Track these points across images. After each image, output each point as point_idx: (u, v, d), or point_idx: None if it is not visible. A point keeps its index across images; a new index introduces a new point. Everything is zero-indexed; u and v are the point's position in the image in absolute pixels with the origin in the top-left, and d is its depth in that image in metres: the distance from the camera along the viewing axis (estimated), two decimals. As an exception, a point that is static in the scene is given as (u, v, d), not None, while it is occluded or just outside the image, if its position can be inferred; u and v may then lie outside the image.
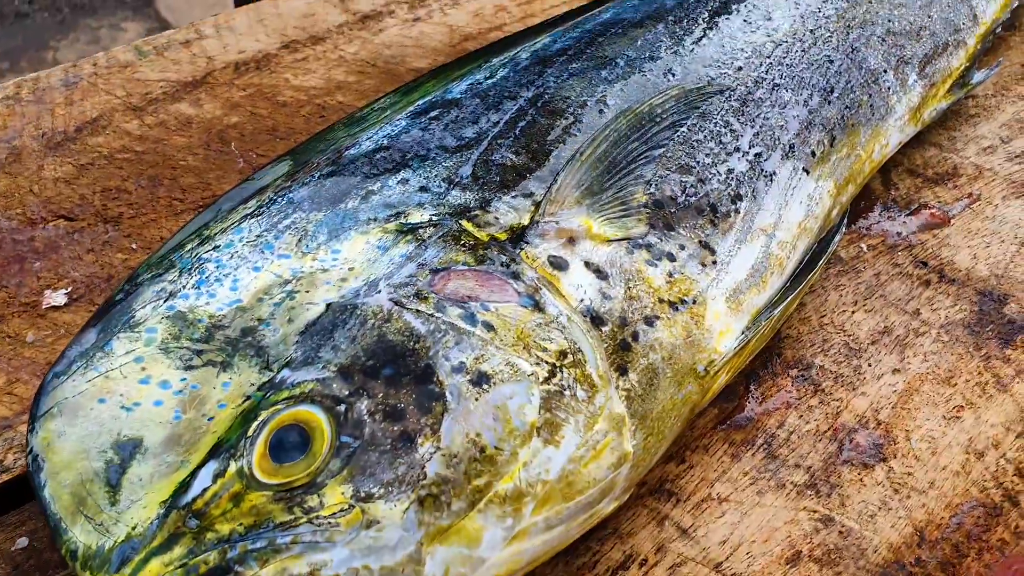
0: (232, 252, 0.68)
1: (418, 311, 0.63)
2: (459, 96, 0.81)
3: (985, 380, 0.79)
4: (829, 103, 0.88)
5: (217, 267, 0.67)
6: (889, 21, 0.97)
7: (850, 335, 0.83)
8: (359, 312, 0.63)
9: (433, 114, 0.79)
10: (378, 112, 0.84)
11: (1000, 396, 0.78)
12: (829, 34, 0.92)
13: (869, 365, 0.80)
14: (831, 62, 0.90)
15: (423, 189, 0.72)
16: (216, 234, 0.71)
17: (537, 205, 0.71)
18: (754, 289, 0.76)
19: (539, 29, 0.94)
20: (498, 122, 0.77)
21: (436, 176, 0.73)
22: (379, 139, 0.77)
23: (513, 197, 0.71)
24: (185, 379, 0.61)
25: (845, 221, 0.86)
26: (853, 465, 0.73)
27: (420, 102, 0.82)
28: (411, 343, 0.61)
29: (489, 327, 0.63)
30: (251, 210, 0.72)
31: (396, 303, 0.63)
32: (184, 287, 0.66)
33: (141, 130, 0.95)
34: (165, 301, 0.65)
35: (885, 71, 0.94)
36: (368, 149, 0.76)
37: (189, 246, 0.70)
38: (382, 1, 1.10)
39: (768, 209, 0.80)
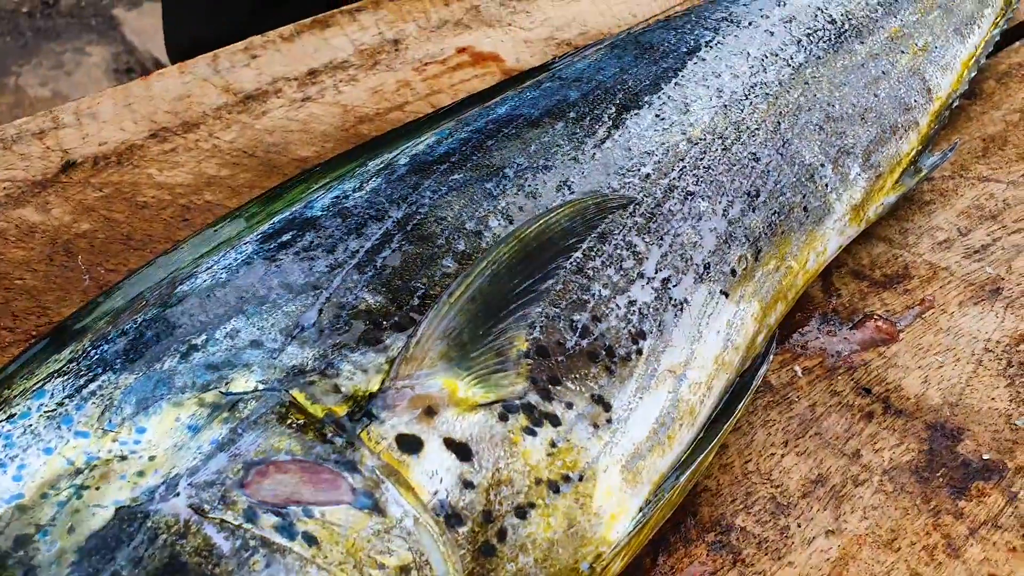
0: (26, 425, 0.57)
1: (222, 521, 0.51)
2: (320, 214, 0.70)
3: (934, 543, 0.68)
4: (754, 210, 0.77)
5: (5, 446, 0.56)
6: (829, 105, 0.86)
7: (778, 486, 0.71)
8: (150, 523, 0.51)
9: (286, 238, 0.67)
10: (232, 227, 0.73)
11: (950, 564, 0.67)
12: (756, 126, 0.81)
13: (799, 525, 0.69)
14: (757, 160, 0.79)
15: (254, 344, 0.60)
16: (16, 396, 0.59)
17: (392, 363, 0.59)
18: (657, 450, 0.64)
19: (432, 120, 0.82)
20: (358, 251, 0.66)
21: (272, 326, 0.61)
22: (218, 270, 0.66)
23: (363, 354, 0.60)
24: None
25: (774, 346, 0.75)
26: (775, 662, 0.62)
27: (277, 219, 0.71)
28: (211, 568, 0.49)
29: (311, 540, 0.51)
30: (61, 364, 0.60)
31: (196, 510, 0.51)
32: (-41, 474, 0.54)
33: (-23, 239, 0.83)
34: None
35: (823, 165, 0.82)
36: (203, 284, 0.64)
37: (-20, 413, 0.58)
38: (268, 78, 0.99)
39: (677, 345, 0.68)
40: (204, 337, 0.60)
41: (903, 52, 0.95)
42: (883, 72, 0.91)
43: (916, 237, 0.91)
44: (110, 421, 0.56)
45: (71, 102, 0.94)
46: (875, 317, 0.83)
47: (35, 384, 0.59)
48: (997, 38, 1.08)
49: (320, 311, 0.61)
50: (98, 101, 0.94)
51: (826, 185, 0.82)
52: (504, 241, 0.63)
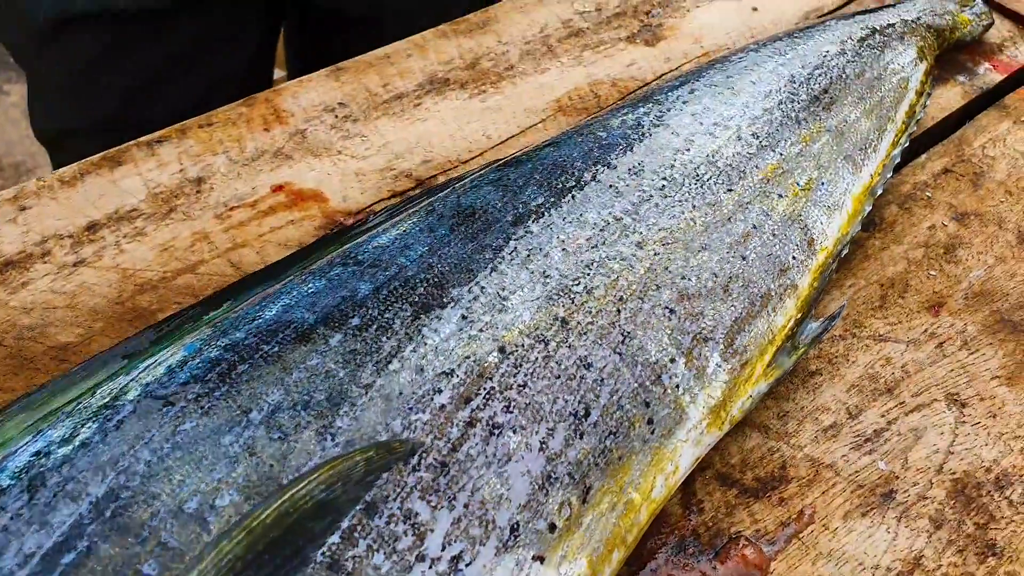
0: None
1: None
2: (7, 484, 0.54)
3: None
4: (582, 436, 0.62)
5: None
6: (683, 279, 0.71)
7: None
8: None
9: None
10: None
11: None
12: (590, 319, 0.66)
13: None
14: (588, 367, 0.64)
15: None
16: None
17: None
18: None
19: (189, 321, 0.67)
20: (32, 555, 0.50)
21: None
22: None
23: None
24: None
25: (607, 611, 0.61)
26: None
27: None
28: None
29: None
30: None
31: None
32: None
33: None
34: None
35: (672, 361, 0.68)
36: None
37: None
38: (37, 236, 0.83)
39: (468, 647, 0.54)
40: None
41: (781, 196, 0.81)
42: (754, 226, 0.77)
43: (797, 423, 0.77)
44: None
45: None
46: (742, 541, 0.69)
47: None
48: (898, 159, 0.95)
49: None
50: None
51: (677, 386, 0.68)
52: (227, 535, 0.48)
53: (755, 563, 0.68)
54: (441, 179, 0.92)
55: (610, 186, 0.75)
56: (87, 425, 0.56)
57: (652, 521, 0.67)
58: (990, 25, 1.14)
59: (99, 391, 0.60)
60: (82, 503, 0.52)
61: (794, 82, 0.91)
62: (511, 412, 0.60)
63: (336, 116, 0.98)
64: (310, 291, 0.65)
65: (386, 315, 0.63)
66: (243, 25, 1.31)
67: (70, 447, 0.55)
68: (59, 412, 0.58)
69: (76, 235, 0.83)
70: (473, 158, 0.95)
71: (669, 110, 0.85)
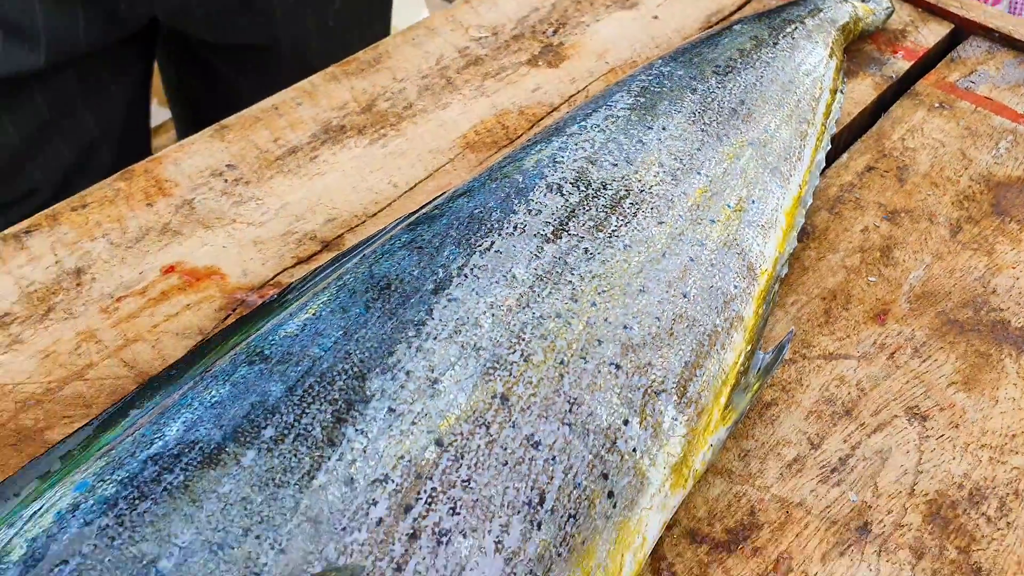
0: None
1: None
2: None
3: None
4: (539, 527, 0.56)
5: None
6: (625, 328, 0.66)
7: None
8: None
9: None
10: None
11: None
12: (531, 391, 0.60)
13: None
14: (537, 447, 0.58)
15: None
16: None
17: None
18: None
19: (68, 458, 0.58)
20: None
21: None
22: None
23: None
24: None
25: None
26: None
27: None
28: None
29: None
30: None
31: None
32: None
33: None
34: None
35: (626, 422, 0.62)
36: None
37: None
38: None
39: None
40: None
41: (713, 221, 0.76)
42: (690, 259, 0.72)
43: (760, 461, 0.72)
44: None
45: None
46: (722, 605, 0.64)
47: None
48: (823, 164, 0.91)
49: None
50: None
51: (634, 450, 0.62)
52: None
53: (738, 628, 0.63)
54: (349, 238, 0.85)
55: (535, 235, 0.69)
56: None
57: (623, 597, 0.61)
58: (891, 12, 1.13)
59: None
60: None
61: (708, 97, 0.87)
62: (458, 514, 0.54)
63: (226, 180, 0.89)
64: (214, 400, 0.57)
65: (303, 421, 0.55)
66: (117, 73, 1.22)
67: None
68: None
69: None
70: (381, 210, 0.88)
71: (585, 142, 0.79)
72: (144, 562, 0.48)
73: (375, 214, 0.88)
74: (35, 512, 0.53)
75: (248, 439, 0.54)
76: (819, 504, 0.70)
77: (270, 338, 0.62)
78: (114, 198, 0.86)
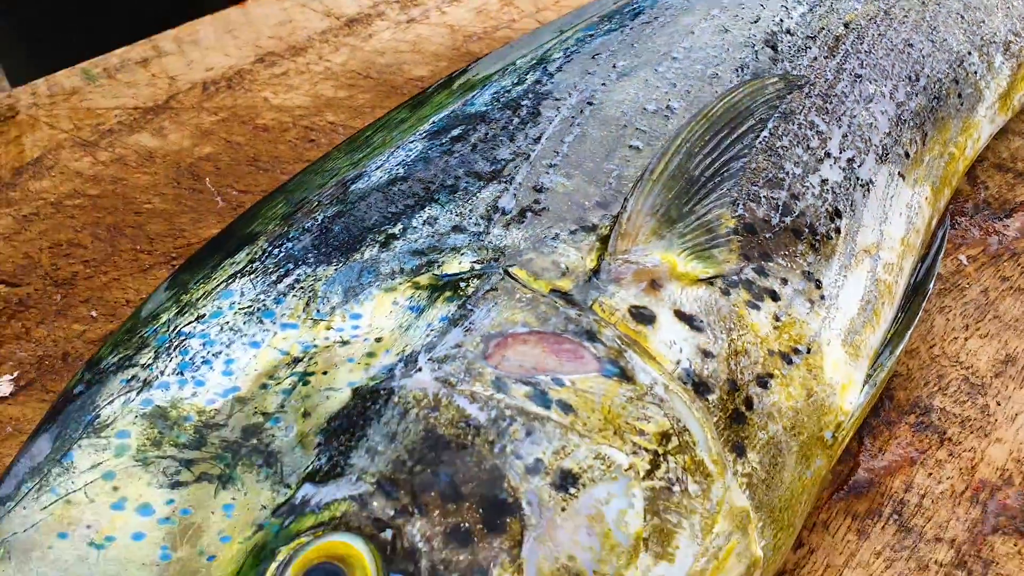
0: (221, 323, 0.53)
1: (473, 393, 0.48)
2: (484, 108, 0.67)
3: None
4: (916, 94, 0.75)
5: (204, 344, 0.52)
6: (965, -6, 0.84)
7: (968, 367, 0.69)
8: (397, 398, 0.48)
9: (456, 132, 0.65)
10: (384, 133, 0.69)
11: None
12: (904, 12, 0.79)
13: (998, 403, 0.67)
14: (911, 46, 0.77)
15: (457, 229, 0.57)
16: (199, 299, 0.56)
17: (603, 241, 0.56)
18: (868, 327, 0.62)
19: (559, 27, 0.80)
20: (539, 137, 0.63)
21: (472, 211, 0.58)
22: (392, 167, 0.63)
23: (572, 233, 0.57)
24: (173, 501, 0.46)
25: (946, 233, 0.73)
26: (1006, 534, 0.60)
27: (436, 118, 0.68)
28: (469, 437, 0.46)
29: (567, 408, 0.48)
30: (241, 265, 0.57)
31: (444, 383, 0.48)
32: (162, 373, 0.51)
33: (95, 169, 0.79)
34: (139, 394, 0.50)
35: (969, 53, 0.81)
36: (380, 181, 0.61)
37: (165, 316, 0.55)
38: (368, 2, 0.95)
39: (868, 226, 0.66)
40: (400, 226, 0.57)
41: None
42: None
43: (1053, 128, 0.89)
44: (318, 311, 0.53)
45: (170, 30, 0.90)
46: (1028, 206, 0.82)
47: (217, 286, 0.56)
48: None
49: (517, 195, 0.59)
50: (197, 28, 0.90)
51: (975, 72, 0.80)
52: (695, 119, 0.61)
53: (1043, 220, 0.80)
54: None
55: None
56: (526, 75, 0.69)
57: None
58: None
59: (516, 63, 0.72)
60: (562, 108, 0.65)
61: None
62: (865, 67, 0.73)
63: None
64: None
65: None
66: None
67: (524, 85, 0.68)
68: (485, 79, 0.71)
69: (402, 1, 0.96)
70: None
71: None
72: (658, 56, 0.69)
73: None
74: (540, 58, 0.74)
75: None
76: (1102, 160, 0.86)
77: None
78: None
